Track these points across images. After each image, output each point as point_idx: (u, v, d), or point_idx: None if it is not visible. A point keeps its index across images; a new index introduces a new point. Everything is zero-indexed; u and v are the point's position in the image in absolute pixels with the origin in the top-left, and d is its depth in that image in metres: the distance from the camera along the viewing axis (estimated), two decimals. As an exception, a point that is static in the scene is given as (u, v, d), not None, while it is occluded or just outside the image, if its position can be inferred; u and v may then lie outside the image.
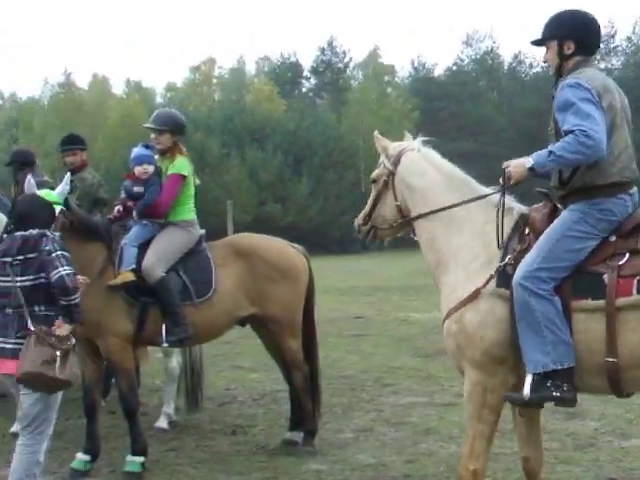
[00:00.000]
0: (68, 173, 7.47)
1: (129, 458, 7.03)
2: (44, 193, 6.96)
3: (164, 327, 6.99)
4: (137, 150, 7.39)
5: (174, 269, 7.18)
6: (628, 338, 4.52)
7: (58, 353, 5.48)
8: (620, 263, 4.59)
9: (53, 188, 7.60)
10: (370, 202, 5.61)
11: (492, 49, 73.66)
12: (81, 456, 7.11)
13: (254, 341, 11.74)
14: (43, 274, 5.53)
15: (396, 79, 75.82)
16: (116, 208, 7.40)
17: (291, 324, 7.60)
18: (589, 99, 4.62)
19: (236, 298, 7.37)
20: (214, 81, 79.68)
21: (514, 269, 4.76)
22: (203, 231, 7.62)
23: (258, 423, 8.80)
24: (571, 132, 4.57)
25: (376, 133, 5.69)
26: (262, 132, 60.23)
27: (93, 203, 8.51)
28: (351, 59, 76.55)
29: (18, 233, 5.70)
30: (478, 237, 5.08)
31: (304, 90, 79.02)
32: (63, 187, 7.02)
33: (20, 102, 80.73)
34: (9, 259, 5.60)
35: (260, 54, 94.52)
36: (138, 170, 7.23)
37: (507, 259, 4.85)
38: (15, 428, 8.46)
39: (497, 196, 5.06)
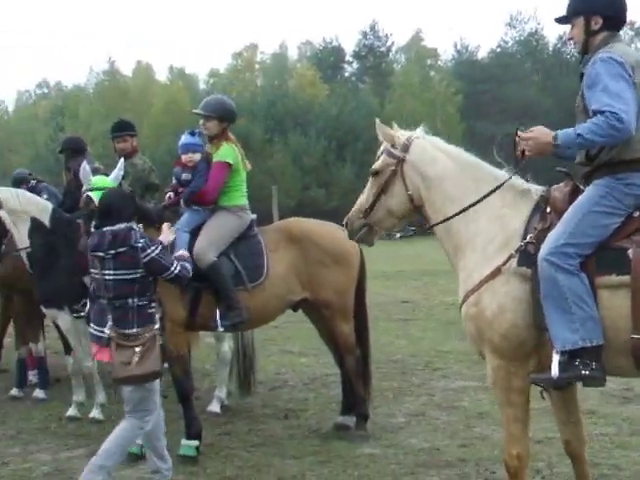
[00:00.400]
0: (122, 159, 7.53)
1: (184, 442, 7.08)
2: (99, 179, 7.06)
3: (218, 312, 7.02)
4: (183, 138, 7.39)
5: (225, 254, 7.19)
6: None
7: (137, 350, 5.78)
8: None
9: (107, 174, 7.69)
10: (372, 195, 5.34)
11: (536, 30, 72.85)
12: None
13: (302, 325, 11.80)
14: (138, 270, 5.86)
15: (439, 62, 75.38)
16: (167, 194, 7.44)
17: (343, 308, 7.59)
18: (621, 75, 4.52)
19: (288, 282, 7.38)
20: (256, 67, 79.76)
21: (536, 248, 4.67)
22: (254, 216, 7.62)
23: (309, 407, 8.83)
24: (601, 112, 4.46)
25: (377, 121, 5.47)
26: (305, 117, 60.25)
27: (145, 188, 8.55)
28: (393, 43, 76.30)
29: (107, 228, 5.91)
30: (495, 221, 4.98)
31: (346, 75, 78.84)
32: (117, 173, 7.09)
33: (66, 90, 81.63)
34: (101, 254, 5.86)
35: (302, 39, 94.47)
36: (184, 158, 7.27)
37: (529, 237, 4.75)
38: (71, 412, 8.62)
39: (514, 179, 5.02)
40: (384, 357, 11.02)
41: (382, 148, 5.40)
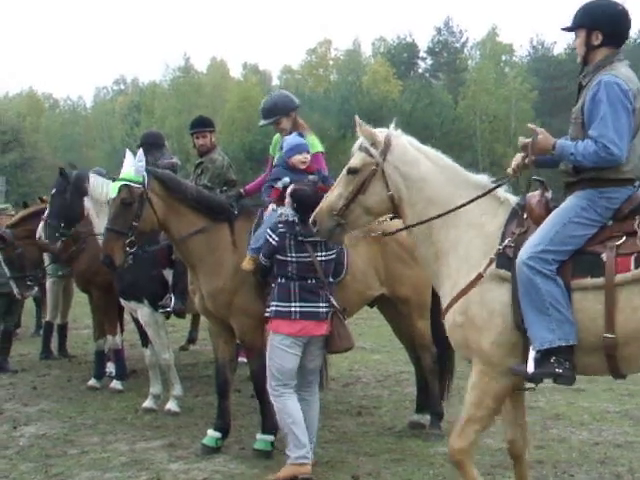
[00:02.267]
0: (140, 150, 7.50)
1: (259, 436, 7.12)
2: (125, 175, 7.11)
3: None
4: (293, 139, 7.22)
5: None
6: (627, 314, 4.60)
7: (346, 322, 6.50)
8: (617, 243, 4.69)
9: (173, 171, 7.84)
10: (347, 194, 5.20)
11: (616, 25, 71.38)
12: (212, 433, 7.24)
13: (373, 322, 11.80)
14: (335, 250, 6.56)
15: (514, 58, 74.34)
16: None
17: (420, 305, 7.53)
18: (622, 103, 4.68)
19: (368, 278, 7.35)
20: (330, 63, 79.77)
21: (514, 251, 4.83)
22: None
23: (383, 404, 8.81)
24: (595, 142, 4.66)
25: (357, 118, 5.43)
26: (378, 113, 59.92)
27: (223, 184, 8.60)
28: (468, 39, 75.48)
29: None
30: (476, 228, 5.09)
31: (420, 71, 78.23)
32: (137, 165, 7.10)
33: (142, 86, 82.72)
34: (311, 239, 6.26)
35: (376, 35, 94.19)
36: (299, 158, 7.04)
37: (507, 241, 4.90)
38: (147, 404, 8.74)
39: (491, 185, 5.16)
40: (458, 355, 10.89)
41: (358, 145, 5.34)
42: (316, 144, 7.44)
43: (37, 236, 9.64)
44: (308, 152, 7.12)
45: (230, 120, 60.30)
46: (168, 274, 8.48)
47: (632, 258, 4.63)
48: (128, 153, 7.39)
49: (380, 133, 5.33)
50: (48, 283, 12.06)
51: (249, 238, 7.01)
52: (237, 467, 6.77)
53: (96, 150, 71.19)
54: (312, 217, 5.37)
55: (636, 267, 4.60)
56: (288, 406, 6.24)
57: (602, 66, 4.86)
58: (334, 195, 5.27)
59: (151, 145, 9.66)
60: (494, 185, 5.18)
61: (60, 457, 7.12)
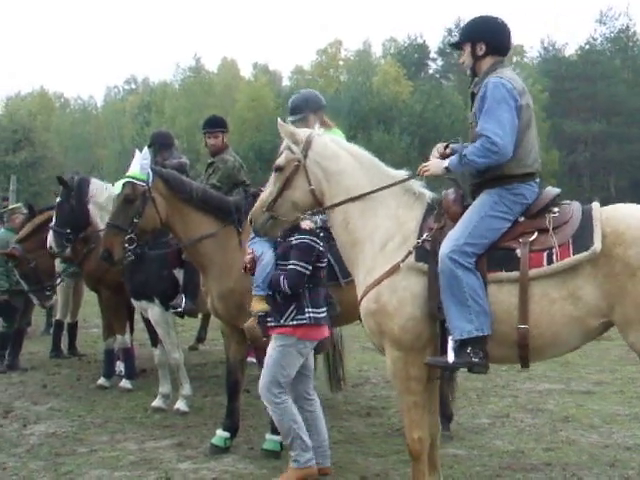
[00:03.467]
0: (145, 148, 7.56)
1: (268, 437, 7.12)
2: (132, 173, 7.17)
3: None
4: None
5: None
6: (543, 306, 4.90)
7: None
8: (530, 239, 5.02)
9: (182, 170, 7.86)
10: (276, 189, 5.54)
11: (628, 26, 71.07)
12: (221, 433, 7.26)
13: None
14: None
15: (525, 59, 74.23)
16: None
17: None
18: (506, 100, 5.08)
19: None
20: (340, 63, 79.74)
21: (432, 245, 5.13)
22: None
23: (392, 405, 8.80)
24: (479, 136, 5.08)
25: (279, 120, 5.72)
26: (389, 114, 59.94)
27: (233, 185, 8.58)
28: (479, 39, 75.32)
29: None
30: (392, 219, 5.37)
31: (431, 72, 78.19)
32: (142, 162, 7.16)
33: (153, 86, 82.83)
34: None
35: (386, 36, 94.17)
36: None
37: (425, 235, 5.19)
38: (157, 403, 8.76)
39: (411, 182, 5.52)
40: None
41: (284, 144, 5.64)
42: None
43: (48, 246, 9.69)
44: None
45: (240, 120, 60.27)
46: (179, 274, 8.50)
47: (544, 254, 4.95)
48: (137, 152, 7.45)
49: (302, 132, 5.66)
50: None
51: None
52: (246, 467, 6.78)
53: (106, 149, 71.27)
54: (249, 215, 5.72)
55: (549, 263, 4.92)
56: (291, 411, 6.16)
57: (488, 73, 5.30)
58: (266, 193, 5.65)
59: (160, 145, 9.71)
60: (404, 178, 5.53)
61: (69, 456, 7.14)
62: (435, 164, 5.38)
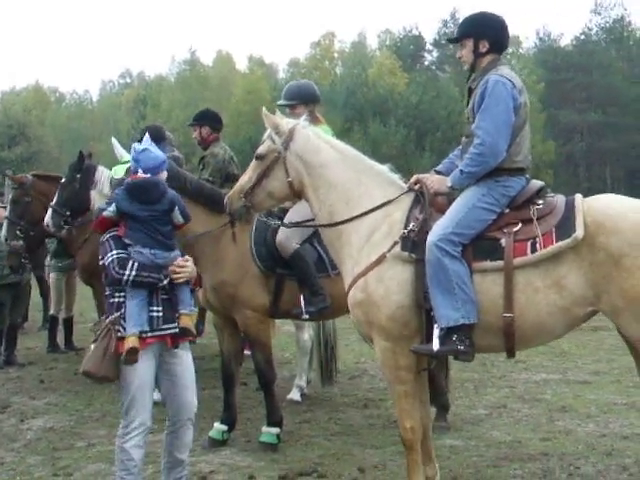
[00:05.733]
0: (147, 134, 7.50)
1: (265, 429, 7.13)
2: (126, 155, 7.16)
3: (302, 298, 7.00)
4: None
5: (309, 241, 7.20)
6: (528, 295, 4.96)
7: (91, 346, 5.38)
8: (515, 230, 5.09)
9: (177, 163, 7.87)
10: (254, 177, 5.62)
11: (622, 17, 71.04)
12: (219, 426, 7.27)
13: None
14: None
15: (520, 50, 74.14)
16: None
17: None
18: (504, 98, 5.16)
19: None
20: (335, 55, 79.60)
21: (418, 235, 5.18)
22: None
23: (389, 397, 8.75)
24: (475, 135, 5.17)
25: (264, 110, 5.73)
26: (384, 106, 59.84)
27: (225, 178, 8.55)
28: (474, 31, 75.20)
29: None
30: (379, 211, 5.41)
31: (426, 63, 78.09)
32: (120, 151, 7.15)
33: (148, 80, 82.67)
34: None
35: (382, 27, 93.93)
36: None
37: (411, 225, 5.23)
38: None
39: (391, 173, 5.64)
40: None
41: (267, 133, 5.69)
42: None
43: (45, 224, 9.65)
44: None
45: (236, 113, 60.19)
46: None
47: (528, 243, 5.03)
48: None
49: (286, 124, 5.67)
50: (51, 277, 12.11)
51: (250, 232, 7.04)
52: (243, 460, 6.79)
53: (102, 144, 71.08)
54: (225, 198, 5.76)
55: (532, 251, 4.99)
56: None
57: (488, 70, 5.34)
58: (244, 179, 5.70)
59: (152, 138, 9.66)
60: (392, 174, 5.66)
61: (67, 450, 7.15)
62: (439, 181, 5.41)
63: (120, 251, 5.33)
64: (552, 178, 56.27)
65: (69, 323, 12.48)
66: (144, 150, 5.63)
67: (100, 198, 9.07)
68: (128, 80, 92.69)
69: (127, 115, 73.68)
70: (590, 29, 71.73)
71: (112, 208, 5.44)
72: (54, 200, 9.48)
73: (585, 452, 6.73)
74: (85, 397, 9.14)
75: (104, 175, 9.34)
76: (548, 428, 7.47)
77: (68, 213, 9.36)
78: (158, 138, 9.65)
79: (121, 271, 5.23)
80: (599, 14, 71.51)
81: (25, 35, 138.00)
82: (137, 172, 5.56)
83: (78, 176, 9.37)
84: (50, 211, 9.53)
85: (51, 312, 12.44)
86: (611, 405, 8.24)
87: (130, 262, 5.27)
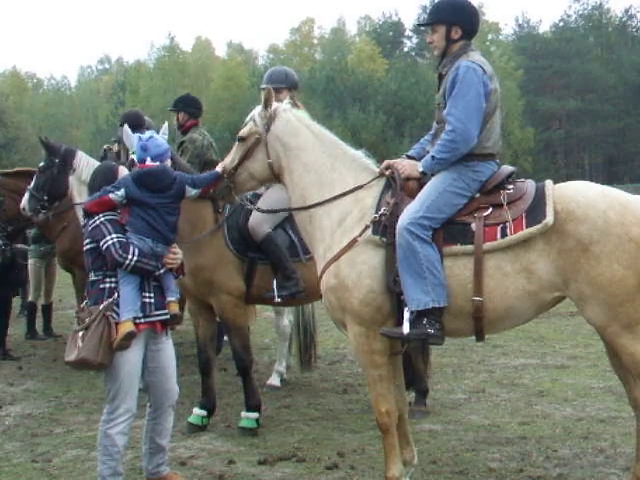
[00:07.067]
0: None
1: (244, 414, 7.15)
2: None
3: (275, 283, 7.01)
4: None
5: (281, 226, 7.21)
6: (497, 279, 5.00)
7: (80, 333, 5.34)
8: (485, 214, 5.12)
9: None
10: (237, 158, 5.70)
11: (601, 4, 71.35)
12: (198, 411, 7.27)
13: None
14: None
15: (500, 37, 74.32)
16: None
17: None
18: (475, 85, 5.18)
19: None
20: (315, 42, 79.47)
21: (388, 219, 5.19)
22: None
23: (368, 382, 8.83)
24: (446, 122, 5.19)
25: (270, 87, 5.97)
26: (364, 92, 59.87)
27: (204, 164, 8.51)
28: (454, 17, 75.29)
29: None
30: (350, 196, 5.44)
31: (406, 49, 78.19)
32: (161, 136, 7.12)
33: (126, 66, 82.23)
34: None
35: (361, 13, 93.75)
36: None
37: (382, 210, 5.24)
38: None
39: (366, 159, 5.63)
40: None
41: (249, 116, 5.77)
42: None
43: (21, 207, 9.59)
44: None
45: (215, 99, 60.04)
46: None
47: (498, 228, 5.05)
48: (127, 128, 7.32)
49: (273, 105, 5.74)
50: (29, 263, 12.04)
51: (224, 216, 7.07)
52: (223, 445, 6.81)
53: (81, 130, 70.83)
54: None
55: (502, 236, 5.01)
56: None
57: (459, 55, 5.35)
58: (227, 160, 5.77)
59: (131, 125, 9.61)
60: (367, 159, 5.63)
61: (46, 436, 7.14)
62: (410, 166, 5.42)
63: (120, 235, 5.33)
64: (531, 165, 56.59)
65: (48, 310, 12.44)
66: (150, 138, 5.71)
67: (78, 184, 9.03)
68: (107, 66, 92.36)
69: (106, 101, 73.41)
70: (569, 16, 72.11)
71: (121, 192, 5.44)
72: (31, 184, 9.43)
73: (562, 435, 6.79)
74: (64, 383, 9.12)
75: (83, 161, 9.29)
76: (526, 412, 7.52)
77: (45, 198, 9.31)
78: (138, 124, 9.62)
79: (124, 254, 5.26)
80: (578, 1, 71.76)
81: (1, 20, 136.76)
82: (145, 160, 5.62)
83: (57, 161, 9.31)
84: (27, 195, 9.47)
85: (29, 299, 12.38)
86: (588, 389, 8.31)
87: (131, 247, 5.30)
